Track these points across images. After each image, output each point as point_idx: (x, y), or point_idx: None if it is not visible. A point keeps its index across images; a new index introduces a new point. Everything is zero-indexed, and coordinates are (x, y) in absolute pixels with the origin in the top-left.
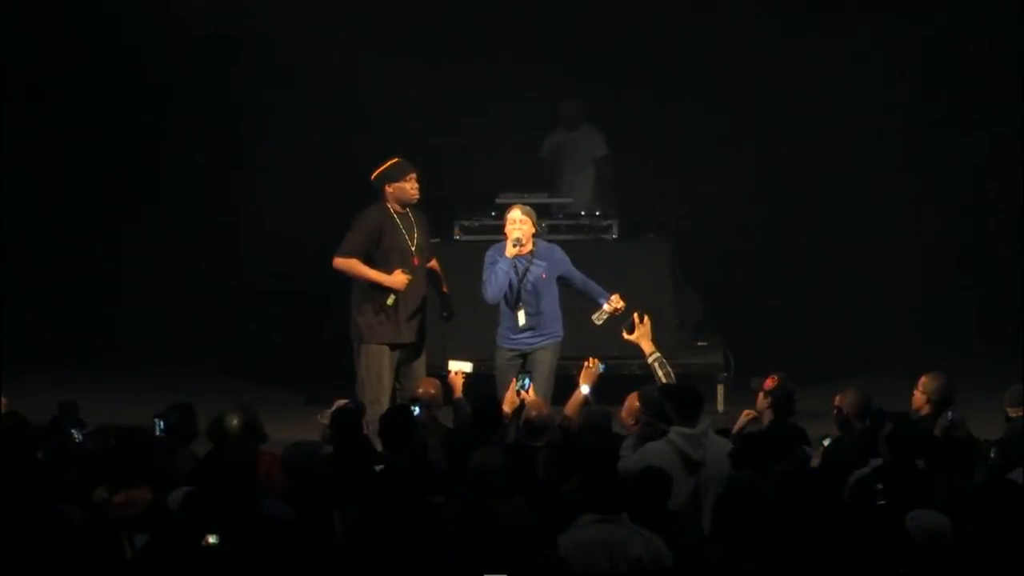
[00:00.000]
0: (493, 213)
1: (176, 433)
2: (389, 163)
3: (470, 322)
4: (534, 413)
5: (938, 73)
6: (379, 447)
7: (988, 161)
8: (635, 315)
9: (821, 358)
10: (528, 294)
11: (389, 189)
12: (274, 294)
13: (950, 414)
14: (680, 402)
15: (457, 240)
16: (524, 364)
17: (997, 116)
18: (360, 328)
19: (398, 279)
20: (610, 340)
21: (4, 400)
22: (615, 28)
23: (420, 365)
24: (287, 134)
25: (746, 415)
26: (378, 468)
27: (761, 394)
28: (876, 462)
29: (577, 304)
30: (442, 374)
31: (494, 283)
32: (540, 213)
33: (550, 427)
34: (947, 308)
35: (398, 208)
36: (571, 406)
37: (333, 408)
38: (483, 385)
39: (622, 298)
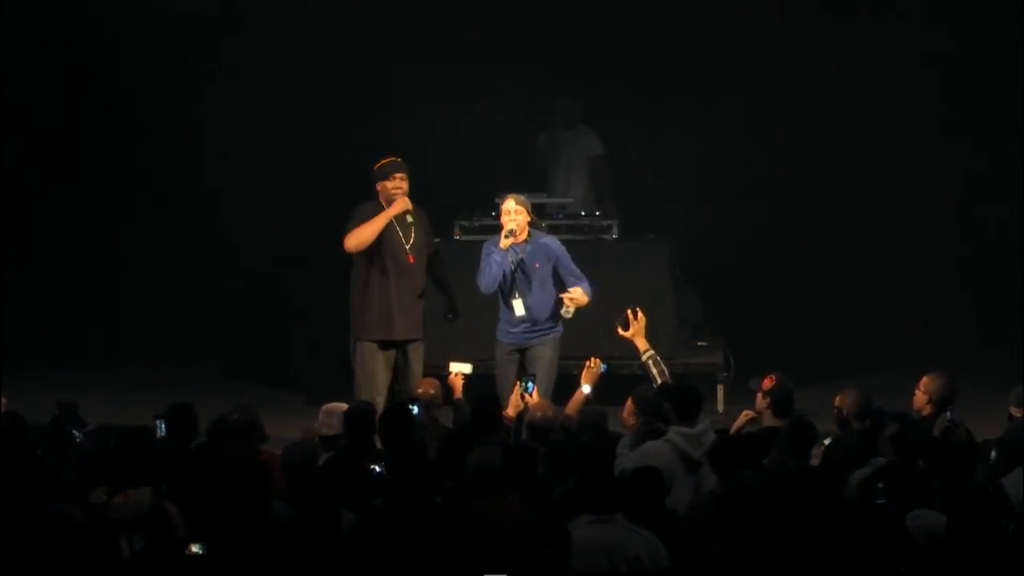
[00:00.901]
0: (493, 213)
1: (176, 433)
2: (382, 161)
3: (470, 322)
4: (538, 415)
5: (939, 72)
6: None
7: (989, 161)
8: (628, 312)
9: (821, 358)
10: (522, 284)
11: (379, 187)
12: (274, 294)
13: (949, 414)
14: (679, 402)
15: (457, 240)
16: (523, 360)
17: (998, 116)
18: (353, 325)
19: (398, 206)
20: (611, 340)
21: (4, 400)
22: (614, 28)
23: (417, 365)
24: (286, 133)
25: (745, 415)
26: (377, 467)
27: (760, 394)
28: (876, 462)
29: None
30: (442, 374)
31: (487, 274)
32: (540, 213)
33: (553, 429)
34: (947, 308)
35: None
36: (573, 406)
37: (321, 415)
38: (483, 385)
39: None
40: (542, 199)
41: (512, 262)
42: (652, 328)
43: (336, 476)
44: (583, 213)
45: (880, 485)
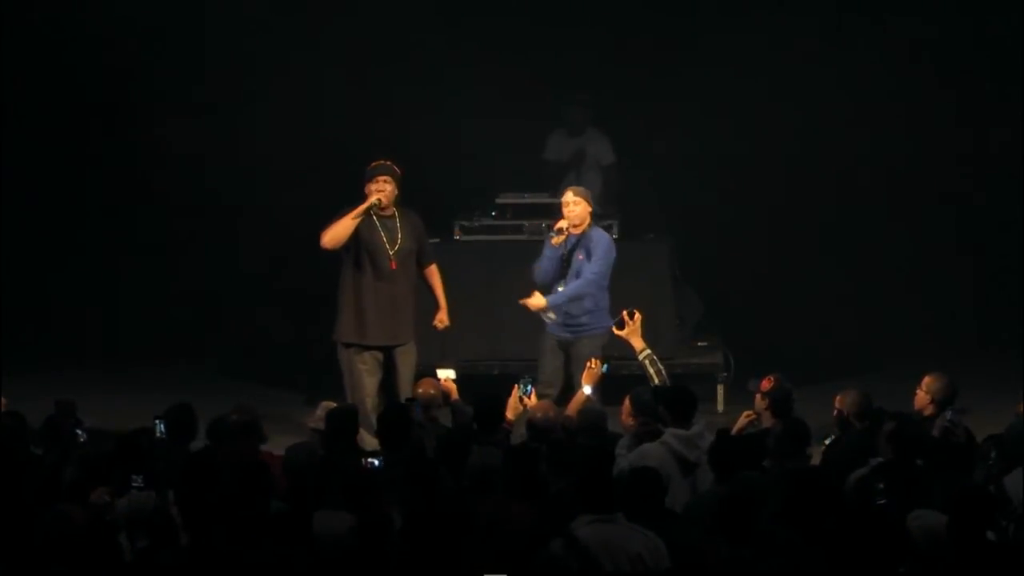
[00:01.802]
0: (493, 213)
1: (177, 433)
2: (373, 163)
3: (469, 323)
4: (539, 415)
5: (940, 71)
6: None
7: (989, 160)
8: (624, 312)
9: (821, 358)
10: (572, 278)
11: (365, 189)
12: (274, 293)
13: (948, 414)
14: (674, 404)
15: (457, 240)
16: (568, 354)
17: (999, 114)
18: (335, 328)
19: (369, 201)
20: (611, 340)
21: (4, 400)
22: (615, 27)
23: (406, 369)
24: (285, 133)
25: (746, 416)
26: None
27: (759, 395)
28: (876, 462)
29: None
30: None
31: (539, 267)
32: (541, 213)
33: (554, 429)
34: (947, 308)
35: (379, 209)
36: (573, 406)
37: (318, 410)
38: (484, 385)
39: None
40: (544, 199)
41: (564, 252)
42: (652, 328)
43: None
44: None
45: (880, 486)
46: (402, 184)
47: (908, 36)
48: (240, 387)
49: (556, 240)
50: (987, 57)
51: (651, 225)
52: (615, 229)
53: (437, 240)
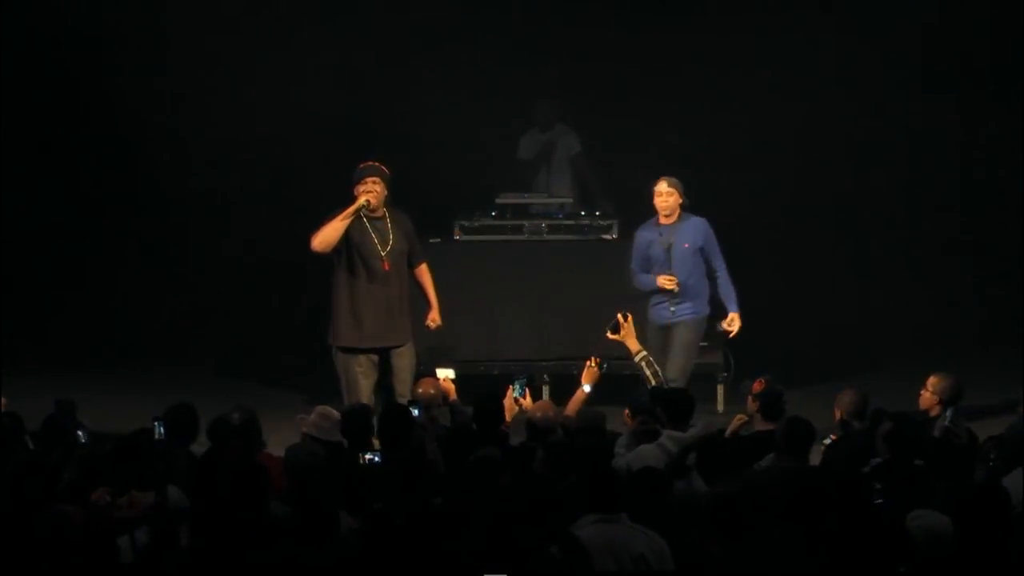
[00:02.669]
0: (493, 213)
1: (177, 434)
2: (361, 164)
3: (468, 323)
4: (538, 415)
5: (940, 70)
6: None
7: (989, 160)
8: (619, 315)
9: (821, 358)
10: (676, 264)
11: (354, 190)
12: (274, 293)
13: (948, 415)
14: (671, 406)
15: (457, 240)
16: (667, 338)
17: (999, 113)
18: (329, 331)
19: (357, 203)
20: (612, 340)
21: (4, 400)
22: (615, 27)
23: (404, 372)
24: (283, 133)
25: (739, 419)
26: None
27: (750, 398)
28: (876, 462)
29: (580, 303)
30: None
31: (637, 268)
32: (539, 213)
33: (553, 429)
34: (947, 308)
35: (368, 210)
36: (573, 406)
37: (312, 415)
38: (483, 385)
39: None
40: (542, 199)
41: (664, 241)
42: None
43: (335, 478)
44: (583, 213)
45: (878, 485)
46: (392, 184)
47: (909, 35)
48: (240, 387)
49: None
50: (988, 57)
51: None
52: (615, 229)
53: (437, 240)
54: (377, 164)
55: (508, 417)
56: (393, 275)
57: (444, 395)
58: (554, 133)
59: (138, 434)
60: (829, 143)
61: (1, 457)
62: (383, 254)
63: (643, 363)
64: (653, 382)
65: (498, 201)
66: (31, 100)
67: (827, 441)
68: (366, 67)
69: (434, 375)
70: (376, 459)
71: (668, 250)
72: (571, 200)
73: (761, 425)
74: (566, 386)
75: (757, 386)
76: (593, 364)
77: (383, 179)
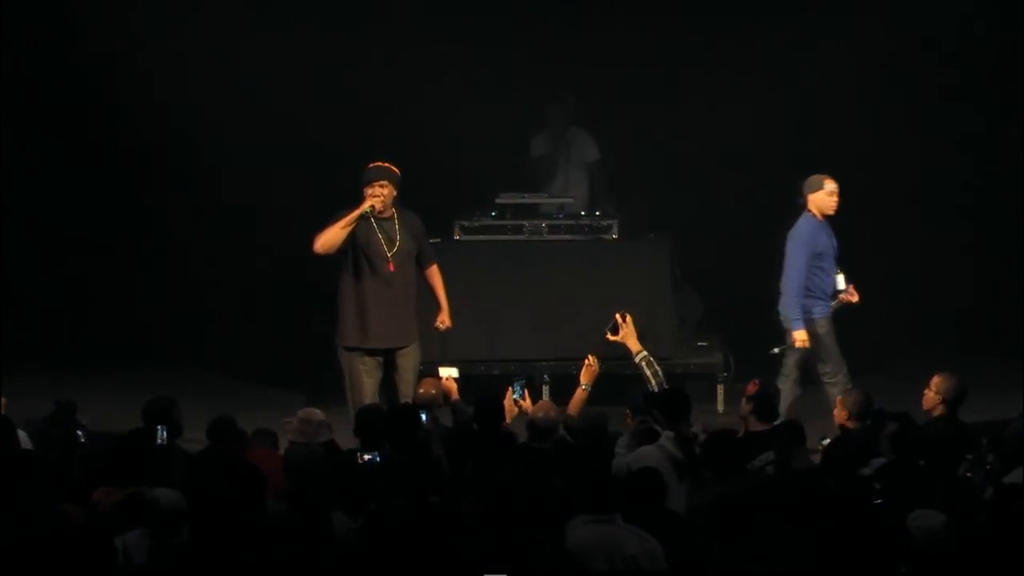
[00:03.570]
0: (493, 213)
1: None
2: (370, 165)
3: (468, 323)
4: (540, 415)
5: (939, 70)
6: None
7: (989, 160)
8: (617, 316)
9: None
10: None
11: (363, 192)
12: (274, 293)
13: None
14: (668, 407)
15: (457, 240)
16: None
17: (1000, 114)
18: (336, 331)
19: (363, 206)
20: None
21: (4, 400)
22: (616, 27)
23: (407, 372)
24: (284, 133)
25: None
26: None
27: (744, 399)
28: (877, 462)
29: (580, 303)
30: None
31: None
32: (538, 213)
33: (556, 429)
34: (947, 308)
35: (375, 213)
36: (574, 405)
37: (295, 422)
38: (484, 385)
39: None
40: (542, 199)
41: (832, 239)
42: (652, 328)
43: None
44: (583, 213)
45: (877, 485)
46: (401, 185)
47: (911, 34)
48: (240, 387)
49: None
50: (991, 60)
51: (651, 225)
52: (615, 229)
53: (437, 240)
54: (386, 166)
55: (508, 419)
56: (398, 276)
57: (446, 394)
58: (569, 136)
59: (138, 434)
60: (829, 143)
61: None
62: (389, 255)
63: (643, 363)
64: (653, 382)
65: (498, 201)
66: (31, 100)
67: (827, 441)
68: (367, 66)
69: (435, 375)
70: (376, 459)
71: (834, 248)
72: (572, 200)
73: (755, 427)
74: (566, 386)
75: (751, 388)
76: (591, 362)
77: (392, 181)
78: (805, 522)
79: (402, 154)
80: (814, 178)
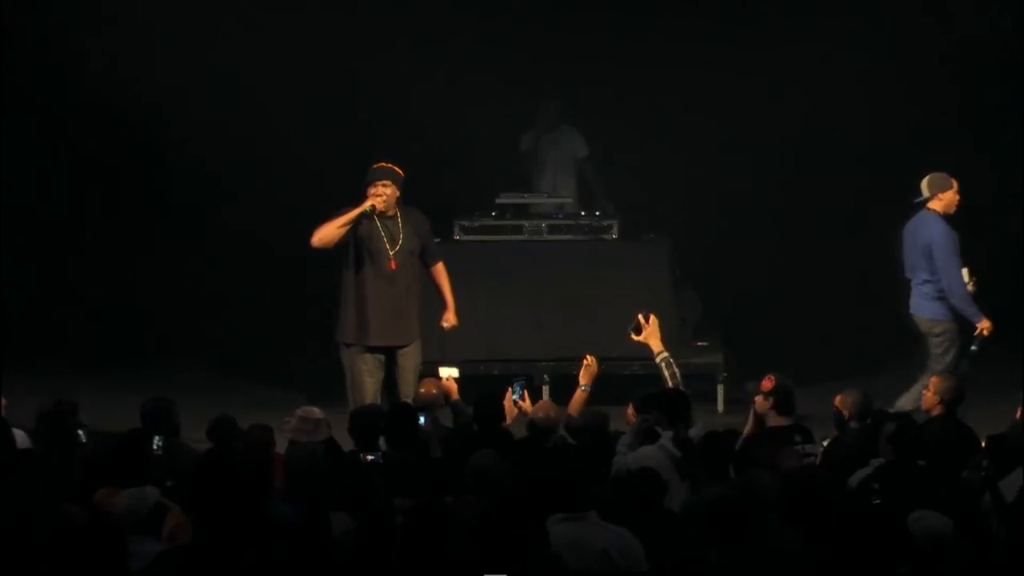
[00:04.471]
0: (493, 213)
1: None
2: (374, 165)
3: (468, 323)
4: (540, 415)
5: (941, 73)
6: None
7: (991, 160)
8: (640, 316)
9: (821, 358)
10: None
11: (366, 191)
12: (276, 291)
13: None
14: (669, 407)
15: (457, 240)
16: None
17: (1001, 114)
18: (337, 329)
19: (364, 205)
20: (611, 339)
21: (3, 400)
22: (615, 28)
23: (409, 372)
24: (284, 133)
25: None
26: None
27: (760, 397)
28: (877, 462)
29: (580, 303)
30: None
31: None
32: (539, 213)
33: (556, 429)
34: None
35: (375, 212)
36: (575, 405)
37: (293, 420)
38: (484, 385)
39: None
40: (541, 199)
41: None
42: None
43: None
44: (583, 213)
45: (876, 486)
46: (404, 185)
47: (910, 35)
48: (240, 387)
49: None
50: (992, 60)
51: (651, 225)
52: (615, 229)
53: (438, 240)
54: (389, 166)
55: (508, 419)
56: (400, 274)
57: (446, 394)
58: (559, 134)
59: (138, 434)
60: (830, 144)
61: None
62: (391, 253)
63: (663, 364)
64: (670, 383)
65: (498, 201)
66: (30, 100)
67: (826, 441)
68: (367, 65)
69: (436, 375)
70: (380, 460)
71: None
72: (571, 200)
73: (776, 421)
74: (566, 386)
75: (767, 384)
76: (590, 362)
77: (395, 181)
78: (805, 522)
79: (402, 154)
80: (940, 177)
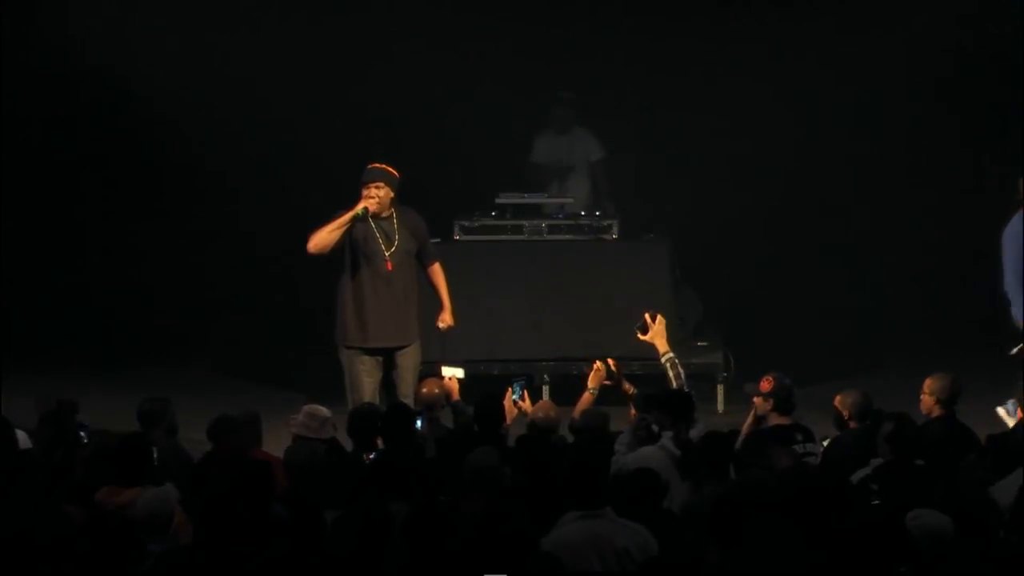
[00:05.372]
0: (493, 213)
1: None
2: (368, 167)
3: (468, 323)
4: (540, 415)
5: (938, 71)
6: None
7: (989, 159)
8: (647, 316)
9: (821, 358)
10: None
11: (361, 192)
12: (275, 292)
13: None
14: (670, 407)
15: (457, 240)
16: None
17: (1001, 115)
18: (335, 331)
19: (357, 207)
20: (611, 339)
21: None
22: (616, 29)
23: (407, 372)
24: (284, 133)
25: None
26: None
27: (760, 398)
28: (877, 462)
29: (580, 303)
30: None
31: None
32: (538, 213)
33: (556, 429)
34: (947, 308)
35: (369, 214)
36: (580, 407)
37: (300, 415)
38: (484, 386)
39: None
40: (542, 199)
41: None
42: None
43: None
44: (583, 213)
45: (874, 486)
46: (400, 187)
47: (910, 37)
48: (239, 387)
49: None
50: (992, 61)
51: (651, 225)
52: (615, 229)
53: (438, 240)
54: (383, 167)
55: (508, 420)
56: (397, 275)
57: (447, 395)
58: (572, 137)
59: (138, 434)
60: (830, 143)
61: None
62: (387, 254)
63: (668, 364)
64: (675, 384)
65: (498, 201)
66: (30, 100)
67: (827, 441)
68: (367, 65)
69: (438, 375)
70: (373, 457)
71: None
72: (572, 200)
73: (777, 420)
74: (566, 386)
75: (766, 384)
76: (599, 367)
77: (388, 183)
78: (805, 522)
79: (402, 154)
80: None
